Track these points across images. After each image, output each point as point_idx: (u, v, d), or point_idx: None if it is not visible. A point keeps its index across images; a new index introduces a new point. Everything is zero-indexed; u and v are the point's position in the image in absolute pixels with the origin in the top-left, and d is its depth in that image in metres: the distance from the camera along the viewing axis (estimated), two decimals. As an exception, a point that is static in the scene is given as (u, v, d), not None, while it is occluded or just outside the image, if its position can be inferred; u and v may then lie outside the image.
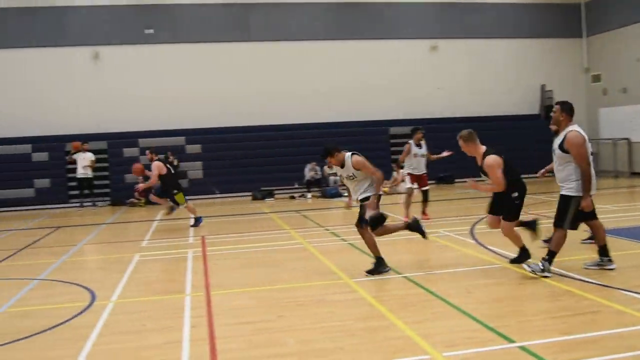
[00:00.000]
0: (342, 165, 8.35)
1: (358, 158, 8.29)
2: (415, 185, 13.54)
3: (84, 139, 21.13)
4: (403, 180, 14.23)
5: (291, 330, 6.12)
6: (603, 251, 7.89)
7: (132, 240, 13.03)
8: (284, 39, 23.69)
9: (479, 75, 24.98)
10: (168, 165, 14.66)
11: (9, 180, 21.49)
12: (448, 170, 22.65)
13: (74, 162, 20.78)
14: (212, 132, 22.80)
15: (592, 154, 7.56)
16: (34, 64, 22.18)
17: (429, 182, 14.12)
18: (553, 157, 7.67)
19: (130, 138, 22.50)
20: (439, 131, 20.08)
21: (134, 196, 20.96)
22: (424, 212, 13.51)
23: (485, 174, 8.08)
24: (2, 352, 5.91)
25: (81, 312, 7.11)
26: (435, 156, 13.75)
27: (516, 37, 25.44)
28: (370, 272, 8.28)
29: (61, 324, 6.70)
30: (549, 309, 6.52)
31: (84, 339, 6.08)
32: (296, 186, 21.99)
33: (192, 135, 22.72)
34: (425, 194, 13.64)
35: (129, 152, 22.36)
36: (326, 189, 21.03)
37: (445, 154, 13.43)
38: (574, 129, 7.41)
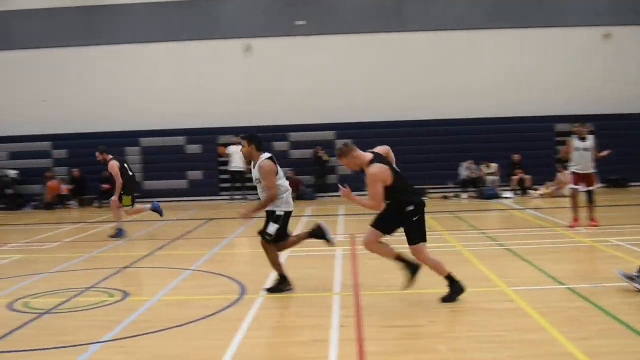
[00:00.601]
0: (254, 165, 8.14)
1: (266, 164, 7.96)
2: (580, 187, 12.83)
3: (236, 132, 22.12)
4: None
5: (443, 337, 6.11)
6: None
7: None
8: (440, 29, 23.42)
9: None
10: (126, 165, 14.01)
11: (164, 172, 22.99)
12: (620, 171, 21.44)
13: (227, 155, 21.88)
14: (363, 127, 22.98)
15: None
16: (190, 57, 23.53)
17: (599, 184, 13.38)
18: None
19: (280, 132, 23.25)
20: (610, 129, 19.07)
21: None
22: (591, 218, 12.83)
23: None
24: (155, 338, 6.39)
25: (231, 305, 7.49)
26: (600, 154, 12.91)
27: None
28: (269, 290, 8.08)
29: (212, 314, 7.11)
30: None
31: (234, 331, 6.42)
32: (450, 185, 21.71)
33: (343, 129, 23.06)
34: (590, 195, 12.85)
35: (279, 145, 23.13)
36: (483, 189, 20.62)
37: (604, 153, 12.78)
38: None
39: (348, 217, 16.05)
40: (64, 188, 22.42)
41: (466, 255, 10.19)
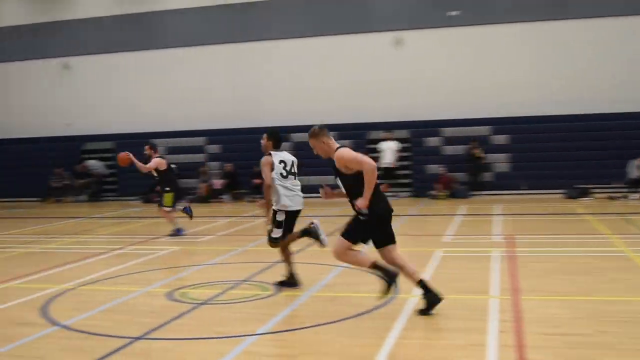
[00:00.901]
0: None
1: (265, 158, 8.44)
2: None
3: (388, 127, 22.21)
4: None
5: (613, 349, 5.80)
6: None
7: (433, 235, 13.38)
8: (606, 15, 22.13)
9: None
10: (172, 165, 14.52)
11: (315, 167, 23.30)
12: None
13: (377, 151, 22.03)
14: (522, 121, 22.33)
15: None
16: (340, 51, 23.90)
17: None
18: None
19: (432, 127, 23.05)
20: None
21: (434, 188, 21.51)
22: None
23: (341, 176, 7.01)
24: (308, 333, 6.56)
25: (384, 304, 7.51)
26: None
27: None
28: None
29: (364, 313, 7.18)
30: None
31: (387, 331, 6.45)
32: (617, 185, 20.56)
33: (499, 124, 22.51)
34: None
35: (431, 141, 22.96)
36: (656, 190, 19.41)
37: None
38: None
39: (505, 217, 15.63)
40: (218, 183, 23.50)
41: (636, 262, 9.64)
